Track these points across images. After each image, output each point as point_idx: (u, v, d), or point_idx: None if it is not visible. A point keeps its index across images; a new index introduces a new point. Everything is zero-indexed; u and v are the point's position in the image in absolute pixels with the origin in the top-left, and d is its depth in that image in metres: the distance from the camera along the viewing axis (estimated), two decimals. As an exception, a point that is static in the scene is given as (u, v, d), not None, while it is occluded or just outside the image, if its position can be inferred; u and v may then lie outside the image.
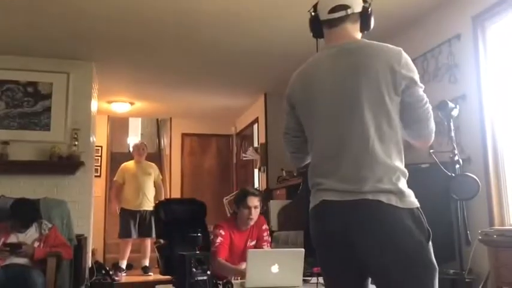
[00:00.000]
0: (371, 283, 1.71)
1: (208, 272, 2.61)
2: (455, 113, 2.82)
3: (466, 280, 2.82)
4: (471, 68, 3.46)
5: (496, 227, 3.07)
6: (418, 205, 1.60)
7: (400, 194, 1.58)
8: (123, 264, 6.10)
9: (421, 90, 1.68)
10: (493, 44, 3.39)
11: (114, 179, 6.51)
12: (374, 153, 1.61)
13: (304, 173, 5.20)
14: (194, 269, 2.59)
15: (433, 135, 1.73)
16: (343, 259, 1.67)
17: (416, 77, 1.68)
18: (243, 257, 3.31)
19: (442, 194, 2.95)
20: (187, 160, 8.29)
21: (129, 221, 6.12)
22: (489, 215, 3.22)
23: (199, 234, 2.85)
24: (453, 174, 2.69)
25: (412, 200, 1.60)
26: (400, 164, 1.64)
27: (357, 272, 1.67)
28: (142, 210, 6.17)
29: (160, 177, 6.80)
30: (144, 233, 6.14)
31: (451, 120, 2.80)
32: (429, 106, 1.70)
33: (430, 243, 1.58)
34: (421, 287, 1.57)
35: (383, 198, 1.56)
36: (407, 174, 1.64)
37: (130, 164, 6.54)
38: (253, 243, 3.47)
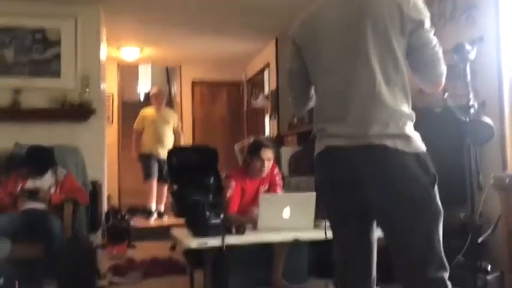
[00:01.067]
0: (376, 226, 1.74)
1: (222, 216, 2.66)
2: (472, 55, 2.74)
3: (477, 223, 2.84)
4: (490, 8, 3.34)
5: (509, 172, 3.06)
6: (424, 149, 1.60)
7: (406, 138, 1.57)
8: (152, 207, 6.24)
9: (430, 32, 1.64)
10: (514, -17, 3.26)
11: (134, 126, 6.48)
12: (380, 97, 1.59)
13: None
14: (208, 213, 2.65)
15: (443, 79, 1.69)
16: (347, 205, 1.69)
17: (426, 19, 1.63)
18: (255, 202, 3.36)
19: (455, 138, 2.92)
20: (198, 108, 8.28)
21: (149, 164, 6.20)
22: (502, 159, 3.21)
23: (212, 180, 2.89)
24: (467, 119, 2.66)
25: (418, 144, 1.59)
26: (406, 108, 1.62)
27: (361, 217, 1.70)
28: (162, 158, 6.10)
29: (180, 124, 6.79)
30: (161, 179, 6.16)
31: (467, 64, 2.73)
32: (439, 49, 1.65)
33: (436, 187, 1.59)
34: (426, 231, 1.59)
35: (389, 142, 1.56)
36: (414, 118, 1.63)
37: (149, 111, 6.53)
38: (266, 188, 3.51)
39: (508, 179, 2.75)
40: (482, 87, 3.34)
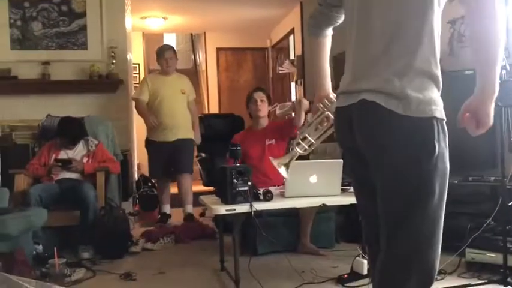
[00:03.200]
0: None
1: (249, 183, 2.69)
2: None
3: (507, 187, 2.80)
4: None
5: (542, 134, 2.98)
6: (436, 115, 1.34)
7: (406, 99, 1.33)
8: (167, 209, 4.72)
9: None
10: None
11: (135, 96, 4.71)
12: (388, 48, 1.37)
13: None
14: (235, 180, 2.68)
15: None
16: (356, 167, 1.58)
17: None
18: (262, 159, 3.49)
19: (486, 101, 2.85)
20: (224, 75, 8.27)
21: (159, 157, 4.60)
22: (535, 121, 3.11)
23: (238, 148, 2.92)
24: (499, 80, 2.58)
25: (423, 108, 1.33)
26: (422, 63, 1.35)
27: (362, 180, 1.55)
28: (176, 141, 4.56)
29: (193, 96, 4.83)
30: (180, 168, 4.61)
31: (500, 23, 2.63)
32: None
33: (436, 161, 1.35)
34: (406, 205, 1.37)
35: (381, 100, 1.35)
36: (431, 75, 1.36)
37: (155, 79, 4.70)
38: (272, 141, 3.67)
39: (540, 142, 2.68)
40: (515, 47, 3.22)
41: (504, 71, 2.61)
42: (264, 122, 3.76)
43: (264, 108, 3.73)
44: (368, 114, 1.39)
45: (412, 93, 1.33)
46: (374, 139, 1.39)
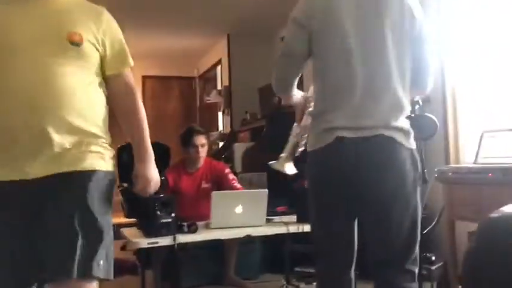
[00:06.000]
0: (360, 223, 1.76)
1: (173, 215, 2.63)
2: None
3: (422, 216, 2.94)
4: (431, 8, 3.44)
5: (451, 165, 3.19)
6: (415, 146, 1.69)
7: (407, 133, 1.65)
8: None
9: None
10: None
11: None
12: (395, 91, 1.64)
13: (268, 116, 5.21)
14: (158, 212, 2.60)
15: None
16: (343, 197, 1.67)
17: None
18: (197, 200, 3.36)
19: (402, 134, 3.00)
20: (150, 104, 8.12)
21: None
22: (445, 153, 3.33)
23: (163, 178, 2.84)
24: (412, 115, 2.73)
25: (412, 141, 1.67)
26: (408, 103, 1.70)
27: (351, 213, 1.71)
28: (46, 180, 1.52)
29: (123, 67, 1.81)
30: (55, 267, 1.50)
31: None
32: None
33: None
34: (414, 224, 1.69)
35: (396, 135, 1.62)
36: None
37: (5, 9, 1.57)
38: (208, 185, 3.48)
39: (450, 172, 2.86)
40: (426, 84, 3.45)
41: (417, 106, 2.78)
42: (201, 162, 3.51)
43: (204, 153, 3.46)
44: (386, 146, 1.61)
45: (409, 128, 1.66)
46: (391, 167, 1.61)
